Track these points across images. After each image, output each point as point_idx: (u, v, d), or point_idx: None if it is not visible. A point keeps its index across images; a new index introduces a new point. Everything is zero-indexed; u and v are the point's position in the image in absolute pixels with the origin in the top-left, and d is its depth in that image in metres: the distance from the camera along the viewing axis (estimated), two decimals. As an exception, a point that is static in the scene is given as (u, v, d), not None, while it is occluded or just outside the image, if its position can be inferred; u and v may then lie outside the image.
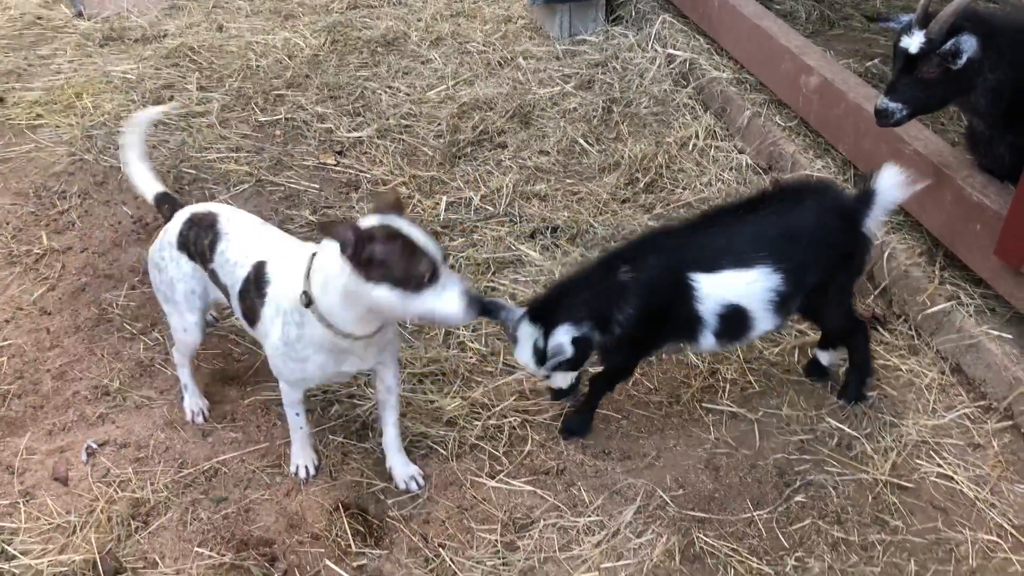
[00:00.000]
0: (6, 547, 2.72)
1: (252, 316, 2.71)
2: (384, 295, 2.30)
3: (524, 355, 2.85)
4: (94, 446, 3.05)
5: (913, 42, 3.01)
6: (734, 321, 2.88)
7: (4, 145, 4.70)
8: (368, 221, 2.32)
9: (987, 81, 3.06)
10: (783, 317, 2.97)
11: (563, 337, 2.79)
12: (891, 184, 2.90)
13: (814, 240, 2.88)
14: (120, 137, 3.11)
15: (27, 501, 2.88)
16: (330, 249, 2.36)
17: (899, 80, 3.12)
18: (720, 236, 2.89)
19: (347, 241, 2.23)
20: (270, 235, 2.85)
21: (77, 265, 3.90)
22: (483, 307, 2.51)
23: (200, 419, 3.16)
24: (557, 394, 3.04)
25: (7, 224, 4.13)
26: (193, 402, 3.17)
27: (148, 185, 3.14)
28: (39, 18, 6.08)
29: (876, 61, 4.96)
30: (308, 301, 2.45)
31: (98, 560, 2.67)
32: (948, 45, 2.94)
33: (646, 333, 2.92)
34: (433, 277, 2.30)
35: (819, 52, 4.43)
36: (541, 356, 2.82)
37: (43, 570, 2.65)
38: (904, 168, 2.91)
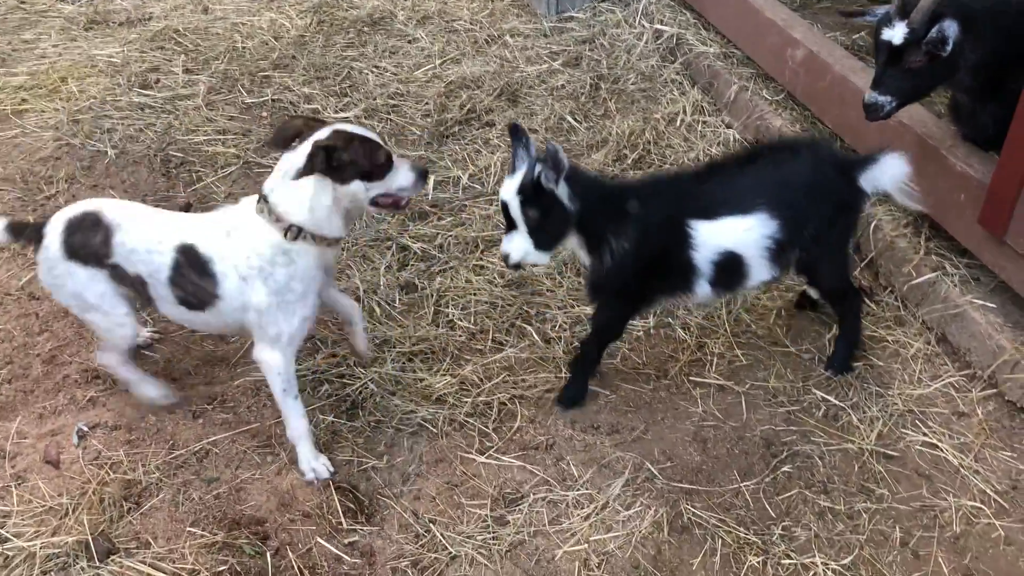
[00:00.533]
0: (-1, 530, 2.75)
1: (199, 299, 2.78)
2: (359, 188, 2.72)
3: (512, 182, 2.75)
4: (85, 429, 3.06)
5: (896, 33, 2.99)
6: (730, 269, 2.89)
7: (-10, 131, 4.69)
8: (322, 134, 2.66)
9: (968, 61, 3.05)
10: (780, 268, 2.97)
11: (557, 157, 2.66)
12: (891, 172, 2.93)
13: (811, 189, 2.89)
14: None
15: (19, 484, 2.89)
16: (286, 183, 2.66)
17: (885, 72, 3.09)
18: (720, 185, 2.90)
19: (320, 164, 2.59)
20: (167, 216, 2.89)
21: (65, 250, 3.89)
22: (426, 172, 2.86)
23: (175, 398, 3.13)
24: (506, 259, 2.86)
25: (-6, 210, 4.13)
26: (155, 390, 3.11)
27: None
28: (22, 2, 6.02)
29: (863, 33, 4.94)
30: (296, 234, 2.68)
31: (91, 541, 2.69)
32: (933, 33, 2.92)
33: (637, 280, 2.91)
34: (389, 161, 2.74)
35: (805, 25, 4.42)
36: (521, 190, 2.72)
37: (36, 552, 2.67)
38: (904, 156, 2.94)
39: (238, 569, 2.65)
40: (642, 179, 3.13)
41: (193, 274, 2.74)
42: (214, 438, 3.05)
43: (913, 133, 3.48)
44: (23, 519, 2.78)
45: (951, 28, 2.93)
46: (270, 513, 2.82)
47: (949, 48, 2.95)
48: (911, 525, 2.75)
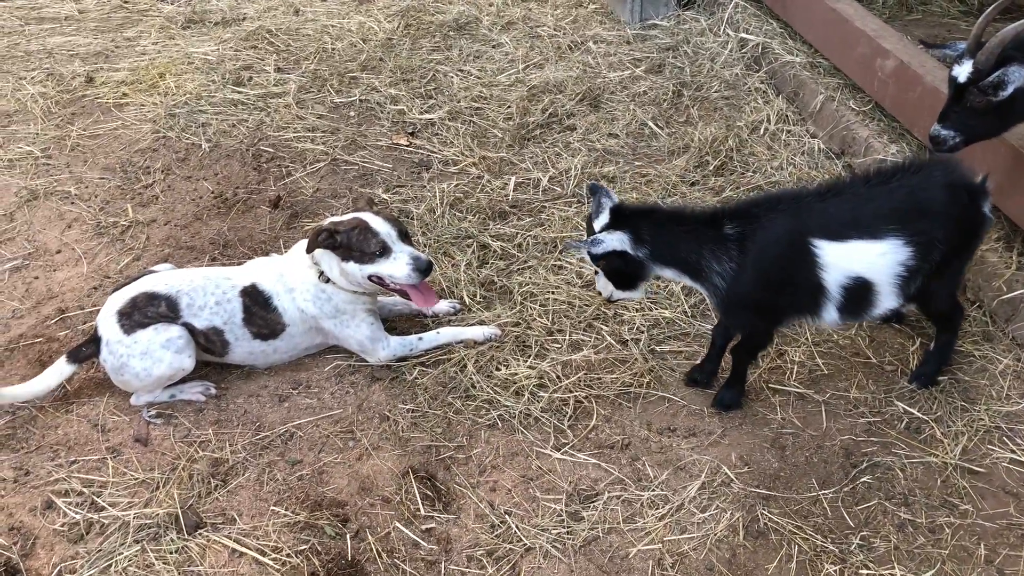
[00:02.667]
0: (96, 499, 2.87)
1: (271, 329, 3.27)
2: (353, 268, 3.17)
3: (584, 237, 2.89)
4: (147, 418, 3.17)
5: (962, 71, 2.95)
6: (859, 296, 2.82)
7: (93, 122, 4.90)
8: (344, 218, 3.20)
9: None
10: (905, 296, 2.88)
11: (610, 240, 2.79)
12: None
13: (945, 215, 2.80)
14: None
15: (114, 457, 3.03)
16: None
17: (950, 108, 3.06)
18: (846, 205, 2.82)
19: (323, 242, 3.14)
20: (219, 269, 3.36)
21: (160, 237, 4.06)
22: (428, 269, 3.16)
23: (212, 392, 3.28)
24: (600, 294, 3.08)
25: (96, 197, 4.32)
26: (195, 392, 3.26)
27: (49, 372, 3.15)
28: (125, 2, 6.30)
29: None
30: (327, 279, 3.26)
31: (180, 514, 2.80)
32: (992, 77, 2.87)
33: (765, 295, 2.87)
34: (385, 250, 3.13)
35: (896, 35, 4.36)
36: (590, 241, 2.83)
37: (129, 521, 2.79)
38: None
39: (319, 548, 2.73)
40: (754, 197, 3.08)
41: (260, 310, 3.24)
42: (298, 422, 3.15)
43: (1008, 145, 3.41)
44: (118, 490, 2.91)
45: (1016, 74, 2.86)
46: (351, 497, 2.89)
47: (1006, 93, 2.89)
48: (997, 543, 2.69)
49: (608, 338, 3.46)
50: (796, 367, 3.32)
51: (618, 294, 2.99)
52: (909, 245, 2.75)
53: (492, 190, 4.30)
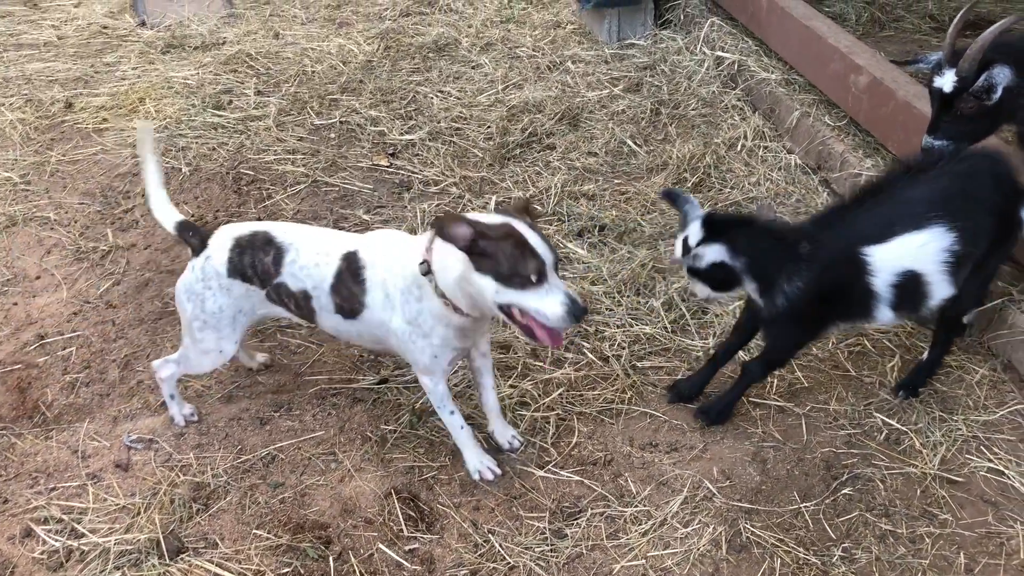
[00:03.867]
0: (76, 525, 2.85)
1: (351, 306, 2.82)
2: (487, 285, 2.47)
3: (678, 243, 2.88)
4: (128, 444, 3.15)
5: (946, 81, 3.00)
6: (911, 289, 2.82)
7: (72, 148, 4.90)
8: (491, 219, 2.51)
9: None
10: (957, 284, 2.85)
11: (711, 253, 2.79)
12: None
13: (990, 202, 2.81)
14: (140, 160, 3.08)
15: (94, 483, 3.00)
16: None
17: (940, 119, 3.09)
18: (889, 204, 2.82)
19: (459, 237, 2.43)
20: (332, 232, 2.98)
21: (141, 261, 4.05)
22: (582, 317, 2.51)
23: (194, 419, 3.23)
24: (694, 295, 3.06)
25: (75, 222, 4.31)
26: (182, 409, 3.23)
27: (169, 211, 3.05)
28: (105, 27, 6.31)
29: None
30: (427, 270, 2.63)
31: (161, 539, 2.78)
32: (980, 82, 2.92)
33: (812, 312, 2.89)
34: (540, 279, 2.44)
35: (869, 52, 4.42)
36: (685, 250, 2.84)
37: (110, 548, 2.76)
38: None
39: (301, 572, 2.71)
40: (811, 217, 3.12)
41: (350, 280, 2.80)
42: (280, 444, 3.14)
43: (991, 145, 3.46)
44: (98, 516, 2.88)
45: (1001, 74, 2.90)
46: (333, 519, 2.88)
47: (997, 96, 2.93)
48: (976, 551, 2.71)
49: (589, 355, 3.47)
50: (776, 380, 3.34)
51: (715, 295, 2.97)
52: (953, 230, 2.75)
53: (473, 209, 4.32)
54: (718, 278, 2.86)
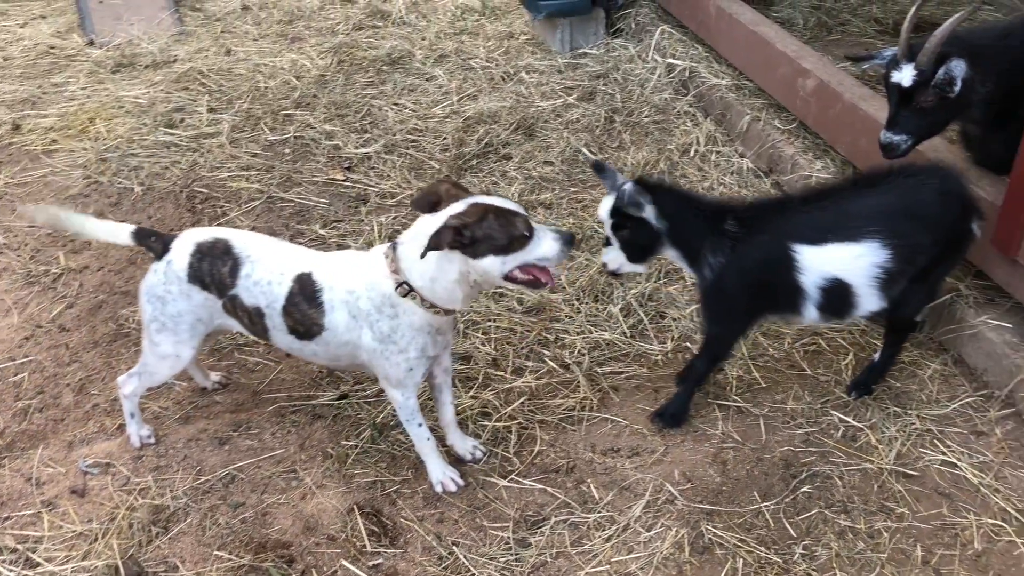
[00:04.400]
0: (31, 555, 2.80)
1: (306, 327, 2.80)
2: (492, 264, 2.57)
3: (605, 204, 2.91)
4: (84, 468, 3.10)
5: (905, 76, 3.04)
6: (838, 296, 2.88)
7: (21, 170, 4.82)
8: (456, 208, 2.57)
9: (978, 95, 3.10)
10: (889, 298, 2.93)
11: (644, 202, 2.83)
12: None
13: (934, 222, 2.85)
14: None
15: (50, 510, 2.95)
16: (415, 244, 2.59)
17: (898, 113, 3.13)
18: (832, 210, 2.89)
19: (449, 241, 2.49)
20: (292, 248, 2.95)
21: (94, 283, 4.00)
22: (573, 239, 2.67)
23: (151, 440, 3.19)
24: (604, 267, 3.07)
25: (25, 246, 4.24)
26: (140, 430, 3.18)
27: (117, 229, 2.99)
28: (52, 47, 6.22)
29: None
30: (407, 291, 2.65)
31: (120, 565, 2.74)
32: (941, 75, 2.97)
33: (740, 294, 2.95)
34: (530, 231, 2.58)
35: (815, 55, 4.50)
36: (614, 211, 2.88)
37: (67, 576, 2.72)
38: None
39: (264, 591, 2.69)
40: (750, 200, 3.18)
41: (303, 302, 2.78)
42: (240, 464, 3.10)
43: (926, 159, 3.53)
44: (54, 544, 2.83)
45: (958, 68, 2.96)
46: (295, 537, 2.86)
47: (958, 88, 2.98)
48: (932, 543, 2.76)
49: (550, 363, 3.49)
50: (735, 381, 3.37)
51: (627, 267, 3.00)
52: (889, 247, 2.81)
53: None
54: (638, 242, 2.92)
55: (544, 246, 2.60)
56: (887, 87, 3.16)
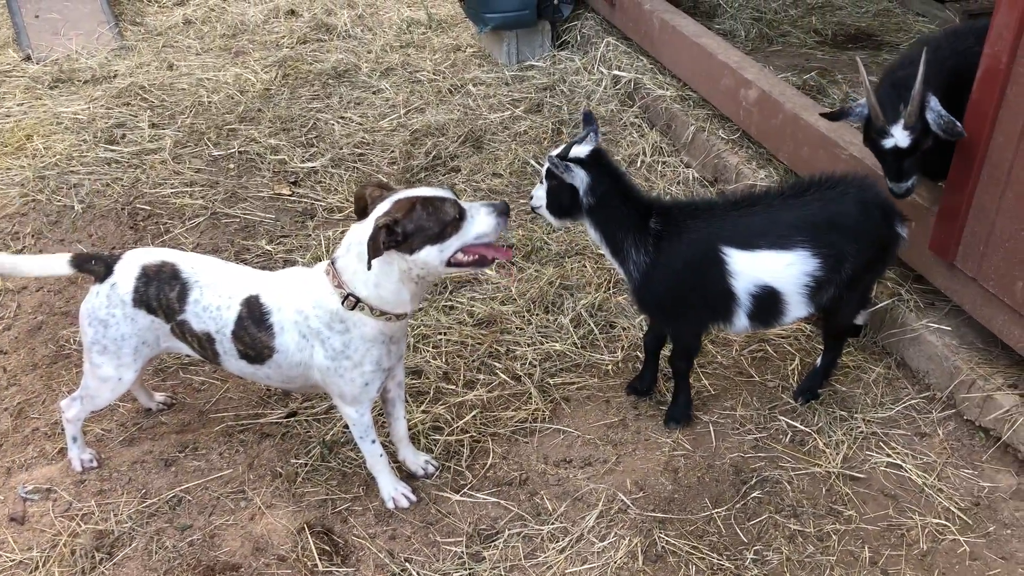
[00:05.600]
0: (-32, 586, 2.71)
1: (257, 351, 2.76)
2: (430, 254, 2.52)
3: (559, 150, 2.94)
4: (23, 495, 3.01)
5: (900, 139, 3.03)
6: (767, 303, 2.92)
7: (-45, 189, 4.69)
8: (383, 207, 2.53)
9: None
10: (816, 306, 2.99)
11: (575, 173, 2.89)
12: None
13: (857, 231, 2.90)
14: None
15: (-12, 539, 2.86)
16: (351, 254, 2.57)
17: (903, 166, 3.11)
18: (761, 217, 2.92)
19: (383, 242, 2.44)
20: (239, 271, 2.89)
21: (33, 304, 3.89)
22: (507, 209, 2.63)
23: (93, 464, 3.11)
24: (531, 200, 3.12)
25: (-40, 267, 4.11)
26: (81, 454, 3.10)
27: (53, 261, 2.90)
28: (-13, 63, 6.07)
29: (813, 74, 5.13)
30: (354, 303, 2.60)
31: (63, 594, 2.66)
32: (941, 121, 2.97)
33: (674, 295, 2.98)
34: (460, 213, 2.54)
35: (757, 67, 4.57)
36: (563, 154, 2.91)
37: (7, 606, 2.64)
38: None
39: (213, 616, 2.63)
40: (679, 200, 3.20)
41: (252, 326, 2.73)
42: (187, 485, 3.04)
43: (864, 166, 3.61)
44: (-8, 574, 2.75)
45: (937, 104, 2.98)
46: (245, 558, 2.81)
47: (959, 126, 2.98)
48: (879, 544, 2.80)
49: (502, 375, 3.48)
50: (684, 390, 3.40)
51: (544, 212, 3.05)
52: (817, 257, 2.86)
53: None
54: (562, 201, 2.98)
55: (478, 223, 2.56)
56: (879, 151, 3.15)
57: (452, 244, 2.54)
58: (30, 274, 2.95)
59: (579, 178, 2.91)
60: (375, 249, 2.44)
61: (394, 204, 2.52)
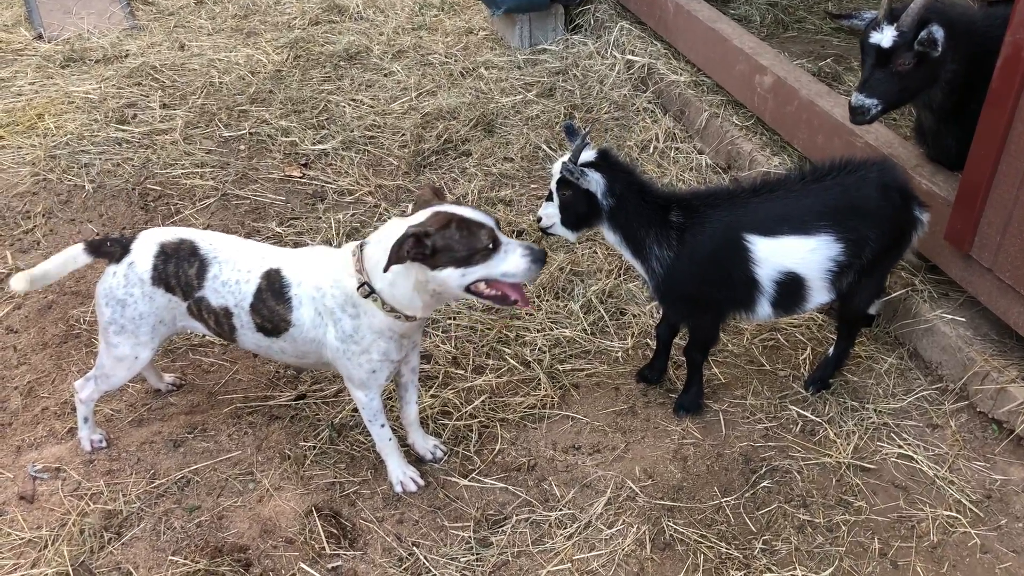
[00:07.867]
0: (-23, 563, 2.72)
1: (274, 324, 2.76)
2: (450, 275, 2.48)
3: (563, 159, 2.88)
4: (33, 474, 3.02)
5: (885, 37, 3.04)
6: (791, 290, 2.89)
7: (-34, 167, 4.69)
8: (420, 216, 2.50)
9: (947, 73, 3.13)
10: (837, 291, 2.96)
11: (591, 177, 2.84)
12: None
13: (876, 215, 2.88)
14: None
15: (-3, 517, 2.87)
16: (380, 247, 2.52)
17: (872, 75, 3.13)
18: (783, 203, 2.89)
19: (410, 252, 2.41)
20: (259, 247, 2.89)
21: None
22: (544, 259, 2.55)
23: (103, 445, 3.12)
24: (538, 221, 3.05)
25: (-29, 245, 4.12)
26: (91, 434, 3.11)
27: (69, 255, 2.87)
28: (-1, 41, 6.06)
29: (829, 60, 5.07)
30: (368, 292, 2.58)
31: (71, 572, 2.67)
32: (924, 34, 2.97)
33: (700, 287, 2.95)
34: (495, 244, 2.47)
35: (772, 52, 4.53)
36: (573, 159, 2.86)
37: (15, 584, 2.65)
38: None
39: (221, 597, 2.64)
40: (697, 190, 3.13)
41: (271, 298, 2.73)
42: (195, 466, 3.04)
43: (880, 154, 3.57)
44: (1, 552, 2.75)
45: (939, 32, 2.97)
46: (252, 540, 2.81)
47: (939, 50, 2.99)
48: (889, 536, 2.79)
49: (511, 361, 3.46)
50: (694, 378, 3.38)
51: (559, 228, 2.99)
52: (840, 241, 2.84)
53: (389, 218, 4.27)
54: (579, 210, 2.92)
55: (510, 262, 2.49)
56: (864, 48, 3.15)
57: (475, 272, 2.49)
58: (57, 275, 2.95)
59: (595, 182, 2.86)
60: (397, 256, 2.41)
61: (432, 216, 2.48)
